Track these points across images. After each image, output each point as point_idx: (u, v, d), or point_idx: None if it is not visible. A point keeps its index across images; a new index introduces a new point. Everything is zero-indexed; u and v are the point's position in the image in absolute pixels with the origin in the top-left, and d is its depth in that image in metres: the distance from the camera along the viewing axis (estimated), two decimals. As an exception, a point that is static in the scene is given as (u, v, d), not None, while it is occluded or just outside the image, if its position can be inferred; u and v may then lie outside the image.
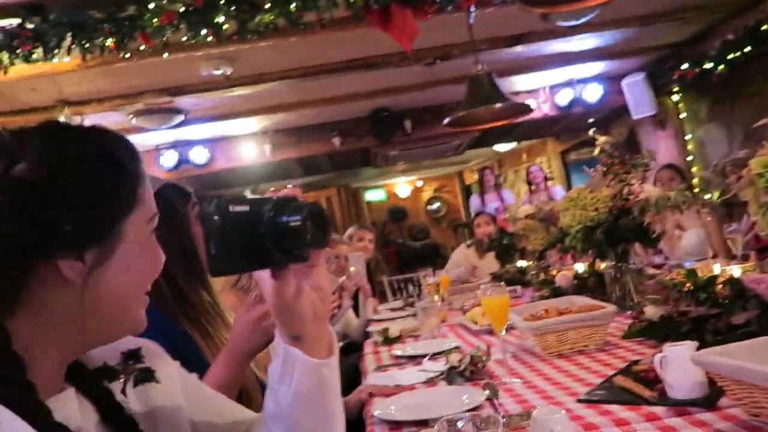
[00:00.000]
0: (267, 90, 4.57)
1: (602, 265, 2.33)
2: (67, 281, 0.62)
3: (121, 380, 0.74)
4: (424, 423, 1.27)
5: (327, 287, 0.74)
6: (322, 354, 0.73)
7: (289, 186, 0.81)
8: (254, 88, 4.47)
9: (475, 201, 7.16)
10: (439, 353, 1.88)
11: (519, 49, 4.70)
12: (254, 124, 5.73)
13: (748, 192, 1.45)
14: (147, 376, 0.76)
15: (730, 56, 4.83)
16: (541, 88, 6.08)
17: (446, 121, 3.46)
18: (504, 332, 1.63)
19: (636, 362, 1.38)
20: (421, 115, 6.03)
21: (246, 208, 0.67)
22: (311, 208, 0.67)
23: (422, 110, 6.03)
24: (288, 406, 0.71)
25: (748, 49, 4.64)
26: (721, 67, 4.95)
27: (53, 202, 0.60)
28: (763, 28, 4.46)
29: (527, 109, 3.66)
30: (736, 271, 1.54)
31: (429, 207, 11.08)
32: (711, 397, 1.09)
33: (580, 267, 2.51)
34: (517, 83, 5.79)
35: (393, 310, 3.28)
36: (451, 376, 1.59)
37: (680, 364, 1.11)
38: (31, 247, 0.60)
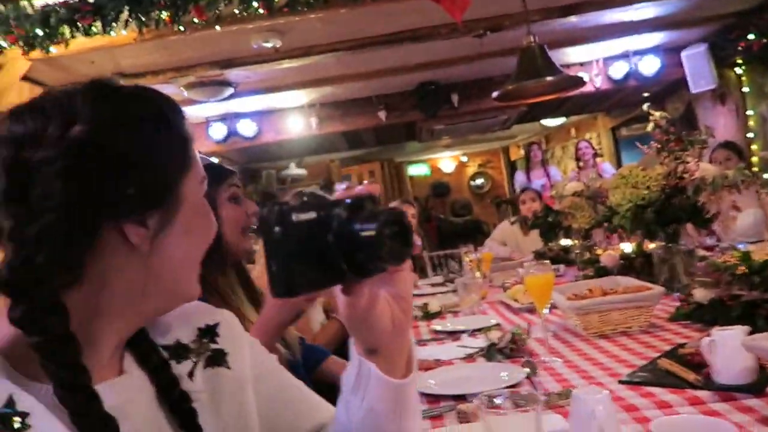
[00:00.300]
0: (315, 63, 4.59)
1: (651, 246, 2.27)
2: (133, 248, 0.59)
3: (192, 360, 0.70)
4: (463, 398, 1.28)
5: (409, 295, 0.65)
6: (401, 371, 0.65)
7: (365, 181, 0.72)
8: (303, 61, 4.49)
9: (520, 177, 7.05)
10: (478, 330, 1.88)
11: (573, 19, 4.54)
12: (302, 97, 5.77)
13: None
14: (218, 359, 0.71)
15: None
16: (595, 61, 5.87)
17: (495, 94, 3.39)
18: (546, 311, 1.61)
19: (682, 345, 1.34)
20: (468, 88, 5.94)
21: (312, 215, 0.58)
22: (389, 215, 0.57)
23: (470, 84, 5.94)
24: (359, 421, 0.66)
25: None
26: (790, 38, 4.67)
27: (115, 165, 0.58)
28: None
29: (580, 82, 3.55)
30: (794, 255, 1.47)
31: (473, 183, 10.97)
32: (760, 383, 1.06)
33: (628, 247, 2.45)
34: (570, 55, 5.61)
35: (433, 285, 3.29)
36: (490, 352, 1.59)
37: (730, 349, 1.08)
38: (97, 212, 0.57)
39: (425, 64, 5.29)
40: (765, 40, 4.91)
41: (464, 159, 11.02)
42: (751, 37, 5.03)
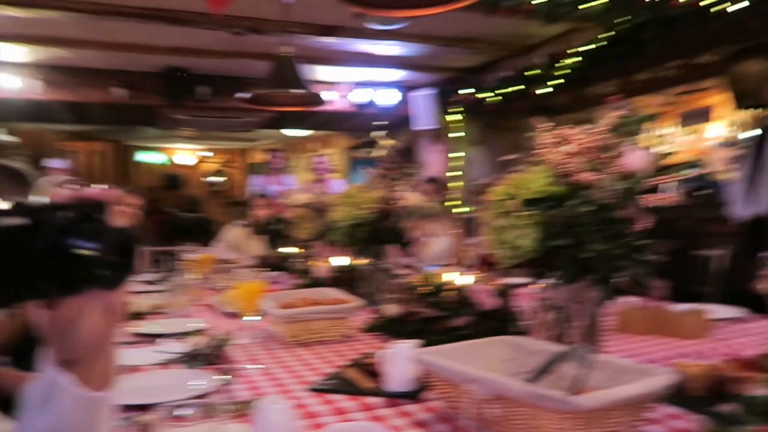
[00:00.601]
0: (45, 18, 3.96)
1: (361, 262, 2.46)
2: None
3: None
4: (149, 408, 1.20)
5: (118, 308, 0.61)
6: (98, 384, 0.61)
7: (97, 186, 0.61)
8: (27, 12, 3.84)
9: (257, 181, 7.09)
10: (181, 334, 1.80)
11: (330, 40, 4.78)
12: (22, 53, 4.94)
13: (485, 214, 1.65)
14: None
15: (503, 90, 5.53)
16: (343, 83, 6.28)
17: (244, 95, 3.39)
18: (254, 317, 1.62)
19: (368, 355, 1.48)
20: (220, 83, 5.82)
21: (20, 221, 0.50)
22: (116, 236, 0.51)
23: (222, 79, 5.82)
24: None
25: (515, 87, 5.36)
26: (494, 98, 5.63)
27: None
28: (528, 73, 5.19)
29: (326, 101, 3.77)
30: (464, 279, 1.74)
31: (210, 179, 10.66)
32: (419, 390, 1.22)
33: (341, 261, 2.62)
34: (321, 73, 5.88)
35: (147, 282, 3.06)
36: (189, 359, 1.53)
37: (399, 360, 1.22)
38: None
39: (177, 49, 5.01)
40: (477, 96, 5.84)
41: (204, 154, 10.65)
42: (468, 91, 5.94)
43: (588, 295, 1.27)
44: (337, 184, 6.23)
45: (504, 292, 1.70)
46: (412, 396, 1.21)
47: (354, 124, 7.28)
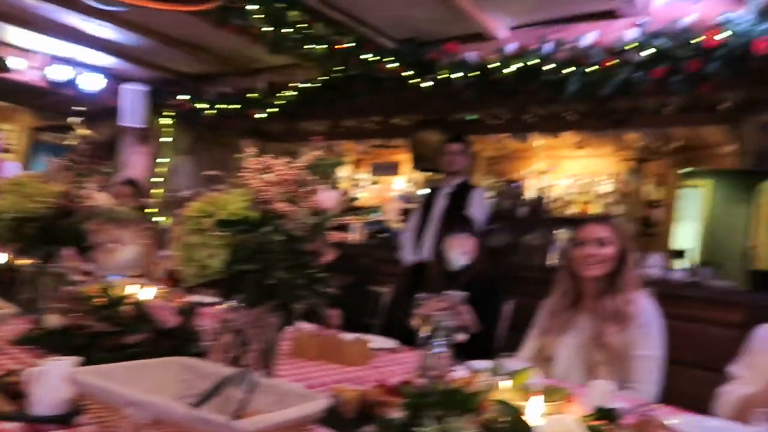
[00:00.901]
0: None
1: (24, 262, 2.13)
2: None
3: None
4: None
5: None
6: None
7: None
8: None
9: None
10: None
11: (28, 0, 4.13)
12: None
13: (179, 228, 1.60)
14: None
15: (220, 105, 5.49)
16: (39, 54, 5.45)
17: None
18: None
19: (12, 373, 1.27)
20: None
21: None
22: None
23: None
24: None
25: (234, 106, 5.38)
26: (211, 111, 5.56)
27: None
28: (249, 95, 5.27)
29: (12, 69, 3.24)
30: (146, 293, 1.64)
31: None
32: (71, 414, 1.10)
33: (-2, 258, 2.23)
34: (12, 35, 5.02)
35: None
36: None
37: (50, 379, 1.08)
38: None
39: None
40: (193, 105, 5.68)
41: None
42: (186, 97, 5.74)
43: (268, 320, 1.33)
44: (10, 168, 5.26)
45: (188, 310, 1.65)
46: (62, 420, 1.08)
47: (45, 103, 6.35)
